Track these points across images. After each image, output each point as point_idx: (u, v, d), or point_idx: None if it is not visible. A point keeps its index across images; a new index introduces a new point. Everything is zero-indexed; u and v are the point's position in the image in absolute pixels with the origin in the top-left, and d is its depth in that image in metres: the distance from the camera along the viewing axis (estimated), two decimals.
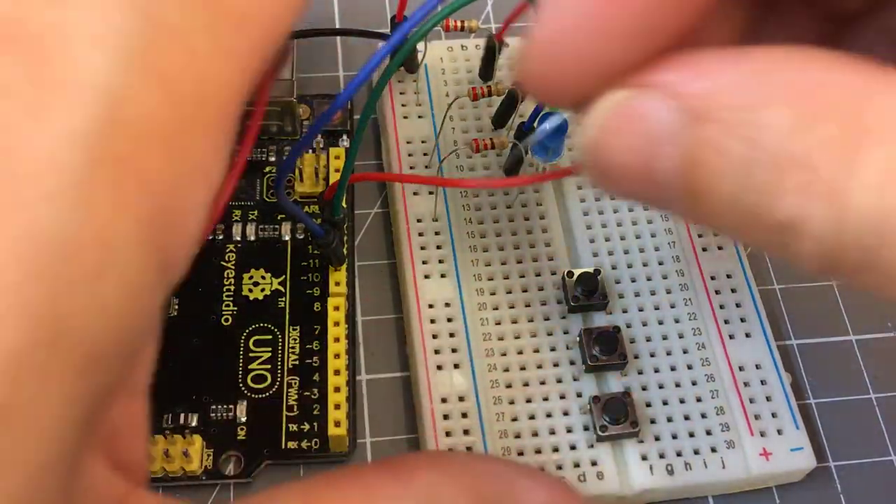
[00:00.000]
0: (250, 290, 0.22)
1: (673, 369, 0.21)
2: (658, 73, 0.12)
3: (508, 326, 0.21)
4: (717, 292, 0.22)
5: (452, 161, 0.23)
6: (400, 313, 0.23)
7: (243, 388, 0.21)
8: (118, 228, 0.10)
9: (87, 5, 0.10)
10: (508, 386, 0.21)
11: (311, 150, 0.23)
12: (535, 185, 0.23)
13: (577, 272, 0.22)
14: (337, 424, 0.20)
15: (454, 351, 0.21)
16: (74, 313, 0.10)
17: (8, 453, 0.09)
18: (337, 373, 0.20)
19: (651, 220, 0.23)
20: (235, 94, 0.12)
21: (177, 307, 0.21)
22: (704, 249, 0.23)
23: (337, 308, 0.21)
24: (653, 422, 0.21)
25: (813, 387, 0.23)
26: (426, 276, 0.22)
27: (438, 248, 0.22)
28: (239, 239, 0.22)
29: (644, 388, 0.21)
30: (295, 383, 0.21)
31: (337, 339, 0.21)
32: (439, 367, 0.21)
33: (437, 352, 0.21)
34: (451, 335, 0.21)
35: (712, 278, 0.22)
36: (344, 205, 0.21)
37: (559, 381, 0.21)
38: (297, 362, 0.21)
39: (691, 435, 0.20)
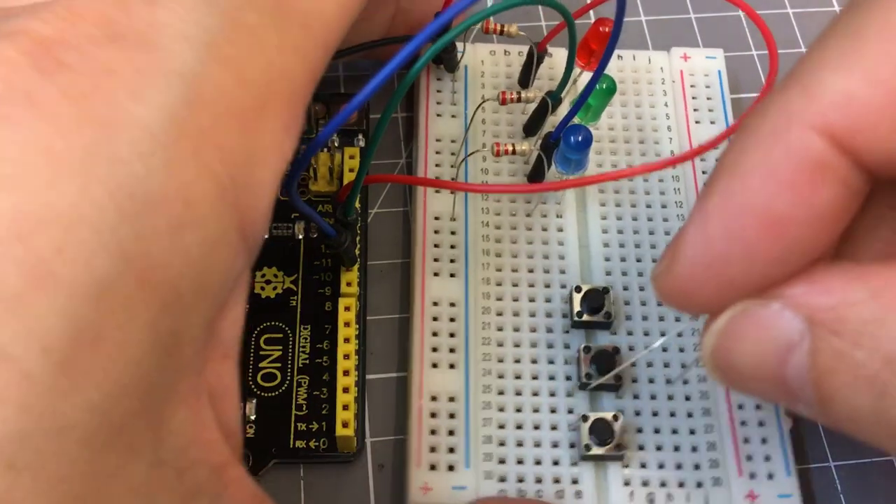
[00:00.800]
0: (262, 289, 0.23)
1: (670, 398, 0.23)
2: (783, 286, 0.14)
3: (510, 333, 0.23)
4: None
5: (478, 163, 0.25)
6: (404, 313, 0.24)
7: (253, 387, 0.21)
8: (199, 188, 0.13)
9: (178, 6, 0.13)
10: (500, 392, 0.22)
11: (325, 150, 0.23)
12: (557, 197, 0.25)
13: (585, 287, 0.23)
14: (345, 425, 0.20)
15: (452, 351, 0.23)
16: (159, 255, 0.12)
17: (90, 370, 0.11)
18: (346, 373, 0.21)
19: (668, 231, 0.25)
20: (301, 81, 0.15)
21: None
22: None
23: (348, 308, 0.22)
24: (641, 448, 0.22)
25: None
26: (435, 274, 0.24)
27: (452, 247, 0.24)
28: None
29: (637, 413, 0.22)
30: (304, 382, 0.21)
31: (347, 340, 0.21)
32: (434, 366, 0.22)
33: (434, 349, 0.23)
34: (452, 335, 0.23)
35: None
36: (357, 205, 0.21)
37: (552, 394, 0.22)
38: (307, 361, 0.22)
39: (678, 467, 0.22)
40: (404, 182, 0.25)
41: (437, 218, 0.24)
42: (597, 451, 0.21)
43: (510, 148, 0.23)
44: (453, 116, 0.26)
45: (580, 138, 0.22)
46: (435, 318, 0.23)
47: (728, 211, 0.13)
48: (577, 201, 0.25)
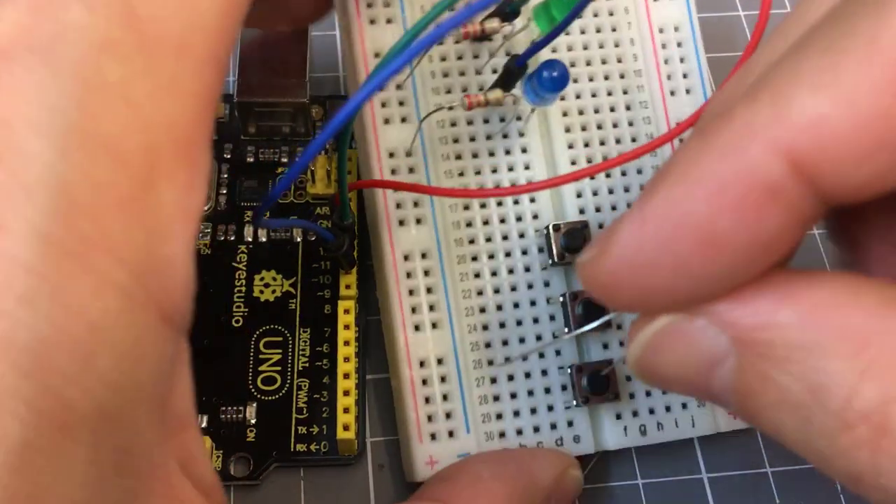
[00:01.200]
0: (261, 292, 0.23)
1: None
2: (710, 302, 0.13)
3: (488, 280, 0.22)
4: None
5: (428, 96, 0.22)
6: None
7: (253, 390, 0.21)
8: (98, 306, 0.12)
9: (21, 90, 0.12)
10: (488, 345, 0.22)
11: (323, 152, 0.23)
12: (520, 129, 0.23)
13: (563, 225, 0.22)
14: (346, 428, 0.20)
15: (432, 309, 0.22)
16: (75, 393, 0.11)
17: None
18: (346, 376, 0.21)
19: (640, 169, 0.24)
20: (191, 121, 0.13)
21: None
22: None
23: (347, 311, 0.22)
24: (628, 378, 0.22)
25: None
26: (401, 223, 0.22)
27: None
28: (250, 240, 0.23)
29: (623, 344, 0.23)
30: (305, 386, 0.21)
31: (347, 343, 0.21)
32: (417, 328, 0.22)
33: (414, 310, 0.22)
34: (429, 290, 0.22)
35: None
36: (355, 210, 0.21)
37: (538, 338, 0.22)
38: (306, 364, 0.22)
39: (665, 392, 0.22)
40: (391, 188, 0.23)
41: (391, 155, 0.22)
42: (595, 400, 0.21)
43: (483, 99, 0.21)
44: (389, 21, 0.22)
45: (555, 74, 0.20)
46: (409, 275, 0.22)
47: (666, 218, 0.13)
48: (541, 132, 0.23)
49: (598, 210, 0.23)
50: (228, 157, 0.25)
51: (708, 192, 0.12)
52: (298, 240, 0.25)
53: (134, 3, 0.12)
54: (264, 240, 0.25)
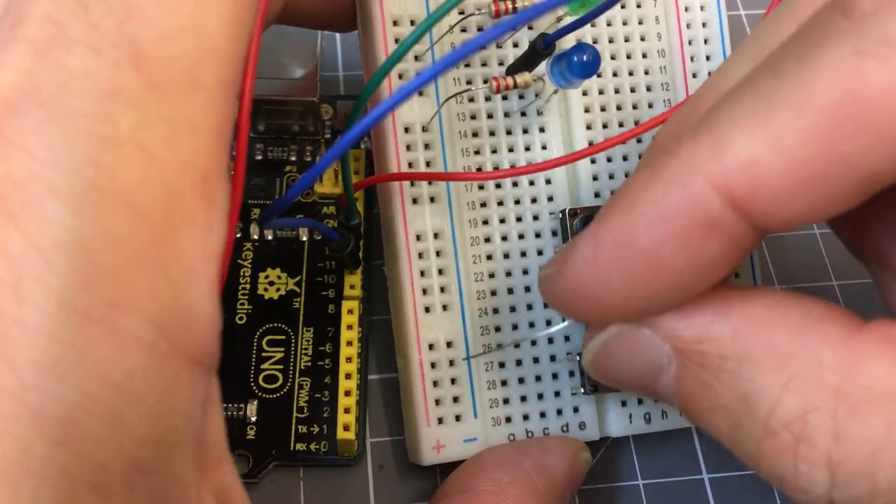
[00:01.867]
0: (265, 290, 0.23)
1: None
2: (655, 315, 0.15)
3: (501, 263, 0.22)
4: None
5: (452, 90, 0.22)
6: None
7: (254, 388, 0.21)
8: (124, 364, 0.11)
9: (35, 145, 0.11)
10: (497, 329, 0.22)
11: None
12: (539, 108, 0.22)
13: (580, 210, 0.22)
14: (346, 428, 0.20)
15: (443, 290, 0.21)
16: (105, 454, 0.11)
17: None
18: (348, 376, 0.21)
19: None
20: (210, 156, 0.13)
21: None
22: None
23: (351, 311, 0.22)
24: None
25: None
26: (414, 201, 0.21)
27: (428, 164, 0.21)
28: (256, 238, 0.23)
29: None
30: (306, 385, 0.21)
31: (349, 343, 0.21)
32: (427, 310, 0.21)
33: (425, 291, 0.21)
34: (441, 272, 0.21)
35: None
36: (361, 210, 0.21)
37: (548, 323, 0.22)
38: (309, 363, 0.22)
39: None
40: (395, 179, 0.22)
41: (407, 130, 0.21)
42: (603, 389, 0.21)
43: (511, 82, 0.20)
44: None
45: (585, 58, 0.19)
46: (421, 255, 0.21)
47: (616, 242, 0.14)
48: (559, 111, 0.22)
49: (613, 193, 0.22)
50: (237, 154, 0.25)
51: (653, 221, 0.13)
52: (304, 239, 0.24)
53: (141, 42, 0.12)
54: (270, 238, 0.24)
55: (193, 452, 0.13)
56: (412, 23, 0.21)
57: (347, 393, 0.22)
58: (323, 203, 0.25)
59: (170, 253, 0.12)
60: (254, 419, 0.22)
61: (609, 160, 0.23)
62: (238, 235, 0.24)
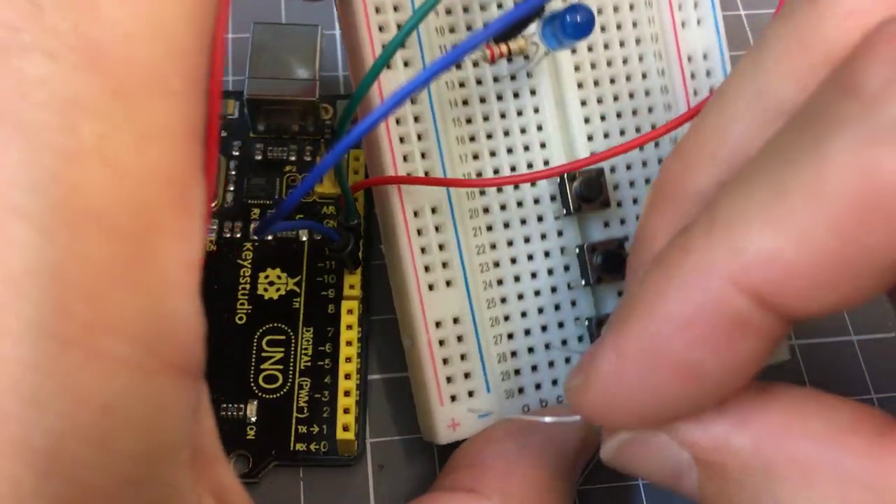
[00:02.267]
0: (265, 290, 0.23)
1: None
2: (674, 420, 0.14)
3: (501, 234, 0.21)
4: None
5: (432, 36, 0.21)
6: None
7: (254, 388, 0.21)
8: (111, 387, 0.11)
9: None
10: (503, 300, 0.21)
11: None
12: (529, 70, 0.21)
13: (578, 174, 0.21)
14: (345, 429, 0.20)
15: (445, 266, 0.21)
16: (98, 477, 0.11)
17: None
18: (348, 376, 0.21)
19: (652, 109, 0.22)
20: (183, 166, 0.12)
21: None
22: None
23: (350, 311, 0.22)
24: None
25: (813, 386, 0.23)
26: (405, 159, 0.20)
27: (419, 138, 0.20)
28: (256, 237, 0.22)
29: None
30: (306, 385, 0.21)
31: (349, 343, 0.21)
32: (431, 287, 0.21)
33: (427, 269, 0.21)
34: (441, 247, 0.21)
35: None
36: (361, 211, 0.22)
37: (554, 290, 0.21)
38: (309, 364, 0.22)
39: None
40: (392, 183, 0.21)
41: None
42: None
43: (505, 49, 0.19)
44: None
45: (579, 19, 0.18)
46: (420, 232, 0.20)
47: (641, 353, 0.13)
48: (549, 72, 0.22)
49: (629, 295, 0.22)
50: (237, 153, 0.25)
51: (676, 328, 0.13)
52: (304, 239, 0.24)
53: (101, 43, 0.11)
54: (270, 238, 0.24)
55: (188, 458, 0.13)
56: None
57: (347, 393, 0.22)
58: (323, 203, 0.25)
59: (147, 268, 0.11)
60: (254, 419, 0.22)
61: (603, 118, 0.22)
62: (238, 235, 0.24)
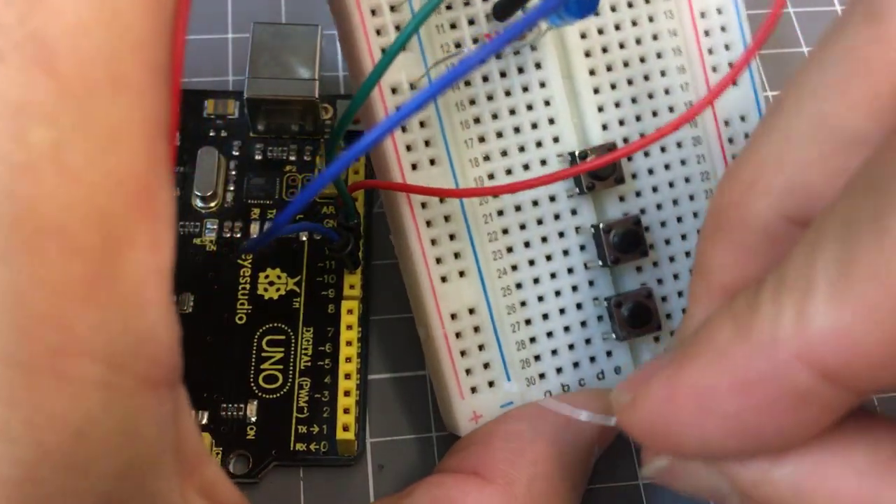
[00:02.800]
0: (265, 290, 0.23)
1: (688, 255, 0.22)
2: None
3: (513, 217, 0.21)
4: None
5: (434, 38, 0.20)
6: (408, 313, 0.22)
7: (254, 388, 0.21)
8: (83, 410, 0.11)
9: None
10: (519, 286, 0.20)
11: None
12: (533, 43, 0.20)
13: (590, 151, 0.20)
14: (345, 429, 0.20)
15: (457, 256, 0.20)
16: (76, 502, 0.11)
17: None
18: (347, 376, 0.21)
19: (669, 91, 0.22)
20: (146, 169, 0.11)
21: (192, 304, 0.22)
22: (730, 140, 0.22)
23: (350, 311, 0.22)
24: (668, 317, 0.21)
25: None
26: (413, 167, 0.20)
27: (422, 125, 0.20)
28: (247, 251, 0.23)
29: (660, 282, 0.21)
30: (306, 385, 0.21)
31: (349, 343, 0.21)
32: (444, 279, 0.20)
33: (439, 261, 0.20)
34: (452, 237, 0.20)
35: (733, 157, 0.22)
36: (361, 210, 0.22)
37: (570, 271, 0.21)
38: (309, 364, 0.22)
39: None
40: (393, 189, 0.21)
41: (395, 91, 0.19)
42: (635, 333, 0.21)
43: None
44: None
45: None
46: (429, 224, 0.20)
47: (694, 399, 0.13)
48: (555, 43, 0.21)
49: (622, 123, 0.21)
50: (237, 153, 0.25)
51: (735, 388, 0.13)
52: (304, 239, 0.24)
53: (49, 39, 0.10)
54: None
55: (171, 464, 0.13)
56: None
57: (347, 393, 0.22)
58: (322, 203, 0.25)
59: (114, 283, 0.11)
60: (254, 419, 0.22)
61: (613, 86, 0.21)
62: (238, 235, 0.24)
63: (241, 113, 0.26)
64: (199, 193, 0.24)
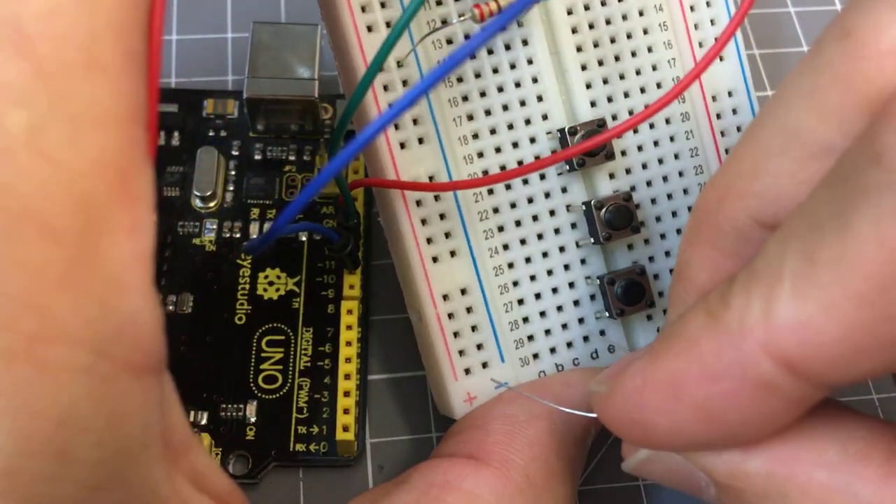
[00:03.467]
0: (265, 290, 0.22)
1: (678, 232, 0.21)
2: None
3: (504, 196, 0.20)
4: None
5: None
6: (408, 313, 0.21)
7: (254, 388, 0.21)
8: (66, 397, 0.11)
9: None
10: (511, 266, 0.20)
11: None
12: (518, 18, 0.20)
13: (580, 127, 0.20)
14: (345, 429, 0.20)
15: (448, 236, 0.20)
16: (62, 489, 0.11)
17: None
18: (347, 377, 0.21)
19: (656, 67, 0.21)
20: (124, 152, 0.11)
21: (191, 304, 0.22)
22: (718, 116, 0.22)
23: (350, 311, 0.21)
24: (661, 294, 0.21)
25: None
26: (402, 146, 0.19)
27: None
28: (247, 253, 0.23)
29: (651, 259, 0.21)
30: (306, 385, 0.21)
31: (349, 343, 0.21)
32: (435, 259, 0.20)
33: (429, 241, 0.19)
34: (442, 216, 0.20)
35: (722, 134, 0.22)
36: (361, 210, 0.21)
37: (562, 249, 0.20)
38: (308, 364, 0.22)
39: None
40: (393, 187, 0.20)
41: (381, 68, 0.18)
42: (629, 311, 0.20)
43: (495, 6, 0.18)
44: None
45: None
46: (419, 203, 0.19)
47: (665, 389, 0.14)
48: (542, 19, 0.20)
49: (610, 100, 0.21)
50: (236, 153, 0.25)
51: (703, 377, 0.13)
52: (304, 239, 0.24)
53: (23, 21, 0.10)
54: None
55: (159, 451, 0.13)
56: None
57: (347, 393, 0.21)
58: (322, 203, 0.25)
59: (93, 268, 0.11)
60: (253, 420, 0.22)
61: (601, 63, 0.21)
62: (238, 235, 0.24)
63: (241, 112, 0.26)
64: (198, 193, 0.24)
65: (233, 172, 0.25)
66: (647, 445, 0.15)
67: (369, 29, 0.19)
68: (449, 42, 0.20)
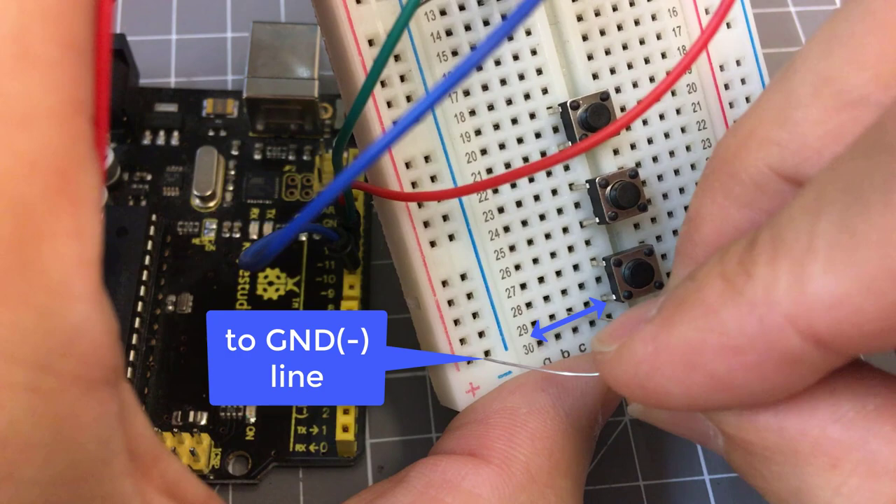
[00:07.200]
0: (265, 290, 0.22)
1: (686, 209, 0.20)
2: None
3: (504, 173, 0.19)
4: None
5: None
6: (408, 313, 0.20)
7: None
8: (6, 417, 0.10)
9: None
10: (512, 248, 0.19)
11: (330, 150, 0.23)
12: None
13: (583, 101, 0.18)
14: (345, 430, 0.20)
15: (446, 219, 0.18)
16: None
17: None
18: None
19: (660, 35, 0.20)
20: (63, 150, 0.10)
21: (191, 304, 0.21)
22: (727, 87, 0.20)
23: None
24: (669, 275, 0.20)
25: None
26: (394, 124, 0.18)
27: (402, 79, 0.18)
28: (255, 237, 0.23)
29: (658, 239, 0.20)
30: None
31: None
32: (433, 244, 0.18)
33: (427, 224, 0.18)
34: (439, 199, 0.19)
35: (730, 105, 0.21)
36: (361, 210, 0.21)
37: (565, 230, 0.19)
38: None
39: None
40: (391, 198, 0.19)
41: (372, 43, 0.17)
42: (638, 294, 0.19)
43: None
44: None
45: None
46: (414, 185, 0.18)
47: (681, 357, 0.13)
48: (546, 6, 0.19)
49: (613, 71, 0.19)
50: (236, 153, 0.24)
51: (724, 349, 0.12)
52: (303, 239, 0.24)
53: None
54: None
55: (124, 465, 0.12)
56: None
57: None
58: None
59: (32, 278, 0.10)
60: (253, 420, 0.21)
61: (603, 33, 0.19)
62: (237, 235, 0.24)
63: (241, 112, 0.25)
64: (197, 193, 0.24)
65: (232, 172, 0.25)
66: (657, 407, 0.15)
67: (370, 43, 0.18)
68: (454, 54, 0.18)
